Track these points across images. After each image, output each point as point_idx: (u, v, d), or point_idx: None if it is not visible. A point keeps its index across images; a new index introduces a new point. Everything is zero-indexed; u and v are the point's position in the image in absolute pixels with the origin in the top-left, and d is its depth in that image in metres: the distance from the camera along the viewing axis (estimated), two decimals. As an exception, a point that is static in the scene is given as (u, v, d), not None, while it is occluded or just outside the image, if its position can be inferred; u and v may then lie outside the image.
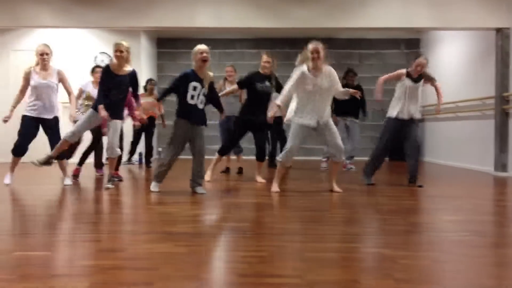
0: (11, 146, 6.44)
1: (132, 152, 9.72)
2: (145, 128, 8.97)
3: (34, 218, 4.31)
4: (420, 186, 6.38)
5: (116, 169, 7.00)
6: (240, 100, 7.77)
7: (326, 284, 2.50)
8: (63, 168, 6.67)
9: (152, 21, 8.51)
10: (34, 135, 6.46)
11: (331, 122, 5.80)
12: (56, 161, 6.44)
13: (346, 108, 8.76)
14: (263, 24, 8.53)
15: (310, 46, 5.68)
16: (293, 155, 5.83)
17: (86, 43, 10.73)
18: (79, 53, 10.61)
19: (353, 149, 9.09)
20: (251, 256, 2.97)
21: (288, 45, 12.34)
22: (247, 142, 9.03)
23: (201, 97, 5.68)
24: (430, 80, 6.55)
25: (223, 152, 7.03)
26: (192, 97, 5.61)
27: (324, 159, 9.26)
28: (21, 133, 6.42)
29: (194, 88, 5.61)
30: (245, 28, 8.95)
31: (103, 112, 5.85)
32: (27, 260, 2.90)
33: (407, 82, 6.43)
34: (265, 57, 6.85)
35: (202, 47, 5.72)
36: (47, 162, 6.17)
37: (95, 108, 5.99)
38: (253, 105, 6.83)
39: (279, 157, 5.94)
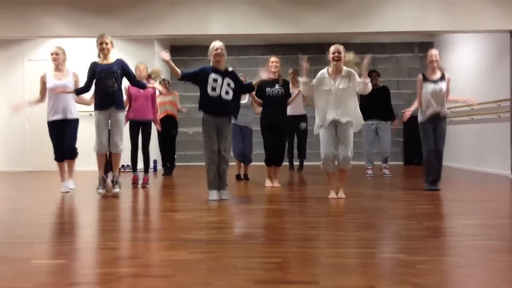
0: (15, 155, 6.50)
1: (164, 159, 9.45)
2: (167, 129, 8.80)
3: (51, 226, 4.35)
4: (436, 190, 6.30)
5: (146, 172, 7.22)
6: (256, 112, 7.75)
7: (343, 290, 2.48)
8: (70, 168, 6.69)
9: (166, 30, 8.57)
10: (62, 136, 6.52)
11: (349, 129, 5.64)
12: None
13: (372, 111, 8.54)
14: (275, 30, 8.55)
15: (332, 47, 5.66)
16: (329, 161, 5.70)
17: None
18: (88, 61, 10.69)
19: (385, 151, 8.87)
20: (267, 262, 2.97)
21: (301, 50, 12.30)
22: (258, 147, 9.00)
23: (225, 88, 5.62)
24: (448, 80, 6.41)
25: (267, 162, 7.02)
26: (214, 88, 5.58)
27: (369, 167, 8.95)
28: (52, 140, 6.56)
29: (215, 80, 5.60)
30: (257, 35, 8.97)
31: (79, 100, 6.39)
32: (44, 268, 2.93)
33: (427, 86, 6.30)
34: (272, 58, 6.95)
35: (216, 43, 5.71)
36: (115, 183, 6.25)
37: (95, 108, 6.12)
38: (268, 110, 6.90)
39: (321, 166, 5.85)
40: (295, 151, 9.74)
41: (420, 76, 6.44)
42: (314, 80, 5.76)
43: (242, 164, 8.09)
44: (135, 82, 6.40)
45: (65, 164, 6.58)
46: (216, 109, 5.63)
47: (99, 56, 6.18)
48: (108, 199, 5.95)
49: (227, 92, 5.64)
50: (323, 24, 8.40)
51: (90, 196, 6.25)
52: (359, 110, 5.70)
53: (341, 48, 5.63)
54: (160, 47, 11.40)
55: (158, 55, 5.55)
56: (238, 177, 8.08)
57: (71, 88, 6.45)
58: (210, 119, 5.62)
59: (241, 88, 5.89)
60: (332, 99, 5.62)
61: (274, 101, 6.85)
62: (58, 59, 6.51)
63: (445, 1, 8.26)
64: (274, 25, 8.48)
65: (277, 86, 6.85)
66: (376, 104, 8.57)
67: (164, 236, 3.86)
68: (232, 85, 5.68)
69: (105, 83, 6.02)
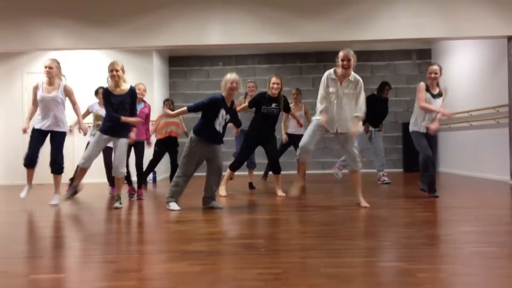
0: (14, 168, 6.50)
1: (148, 171, 9.56)
2: (167, 148, 8.83)
3: (48, 240, 4.34)
4: (435, 196, 6.28)
5: (139, 187, 7.18)
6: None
7: (343, 300, 2.47)
8: (56, 183, 6.67)
9: (164, 40, 8.59)
10: (40, 146, 6.53)
11: (352, 132, 5.63)
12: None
13: (377, 120, 8.80)
14: (273, 40, 8.56)
15: (341, 53, 5.64)
16: (304, 153, 5.79)
17: (99, 64, 10.83)
18: (92, 74, 10.70)
19: (380, 158, 8.88)
20: (267, 273, 2.96)
21: (299, 59, 12.37)
22: (261, 157, 9.01)
23: (223, 122, 5.79)
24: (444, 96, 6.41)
25: (234, 167, 7.11)
26: (219, 124, 5.74)
27: (382, 174, 8.87)
28: (29, 144, 6.54)
29: (222, 116, 5.73)
30: (256, 44, 8.99)
31: (132, 135, 6.41)
32: (43, 283, 2.91)
33: (427, 97, 6.28)
34: (273, 79, 6.89)
35: (234, 77, 5.77)
36: (73, 193, 6.37)
37: (102, 130, 6.12)
38: (258, 125, 6.96)
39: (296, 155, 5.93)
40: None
41: (423, 84, 6.35)
42: (322, 82, 5.74)
43: (252, 172, 8.14)
44: (133, 112, 6.31)
45: (33, 171, 6.56)
46: (214, 139, 5.79)
47: (107, 81, 6.17)
48: (107, 211, 5.95)
49: (220, 124, 5.79)
50: (321, 32, 8.42)
51: (88, 209, 6.23)
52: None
53: (350, 55, 5.60)
54: (158, 58, 11.43)
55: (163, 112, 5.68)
56: (250, 185, 8.10)
57: (59, 101, 6.47)
58: (202, 144, 5.73)
59: (232, 119, 6.04)
60: (335, 102, 5.62)
61: (267, 119, 6.91)
62: (52, 73, 6.49)
63: (442, 8, 8.29)
64: (272, 34, 8.51)
65: (273, 105, 6.87)
66: (382, 114, 8.88)
67: (164, 248, 3.85)
68: (228, 119, 5.85)
69: (118, 113, 6.05)
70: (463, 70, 10.46)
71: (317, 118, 5.76)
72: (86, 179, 7.50)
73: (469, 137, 10.12)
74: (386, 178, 8.68)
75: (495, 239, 3.86)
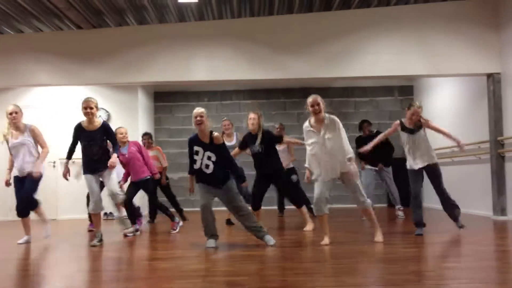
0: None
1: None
2: (155, 183, 8.31)
3: (33, 278, 4.27)
4: (419, 235, 6.23)
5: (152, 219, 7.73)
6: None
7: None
8: (40, 216, 6.65)
9: (149, 76, 8.65)
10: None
11: (351, 174, 5.60)
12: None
13: (370, 159, 8.67)
14: (258, 76, 8.67)
15: (310, 99, 5.69)
16: (321, 204, 5.61)
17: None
18: (78, 109, 10.69)
19: (393, 193, 8.85)
20: (250, 311, 2.94)
21: (284, 95, 12.49)
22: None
23: (206, 162, 5.61)
24: (427, 125, 6.41)
25: (254, 206, 6.99)
26: (195, 161, 5.65)
27: (400, 208, 8.86)
28: (15, 194, 6.49)
29: (197, 153, 5.64)
30: (240, 80, 9.09)
31: (65, 170, 6.18)
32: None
33: (404, 135, 6.37)
34: (250, 115, 6.93)
35: (195, 111, 5.70)
36: (99, 240, 6.17)
37: (84, 173, 6.17)
38: (256, 164, 7.00)
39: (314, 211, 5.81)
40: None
41: (398, 122, 6.44)
42: (304, 137, 5.80)
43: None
44: (114, 148, 6.29)
45: (28, 219, 6.48)
46: (205, 181, 5.68)
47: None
48: (90, 248, 5.88)
49: (207, 166, 5.62)
50: (305, 69, 8.54)
51: (71, 246, 6.16)
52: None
53: (319, 99, 5.65)
54: (144, 93, 11.49)
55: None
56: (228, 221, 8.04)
57: (28, 143, 6.38)
58: (202, 186, 5.69)
59: (224, 161, 5.71)
60: (321, 152, 5.59)
61: (258, 157, 6.93)
62: (17, 118, 6.42)
63: (424, 46, 8.49)
64: (257, 70, 8.61)
65: (256, 144, 6.85)
66: (373, 152, 8.65)
67: (147, 287, 3.81)
68: (214, 158, 5.62)
69: (90, 150, 6.08)
70: (445, 107, 10.63)
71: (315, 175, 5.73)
72: (67, 215, 7.46)
73: (452, 173, 10.21)
74: (401, 213, 8.70)
75: (478, 275, 3.88)
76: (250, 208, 6.56)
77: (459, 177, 9.85)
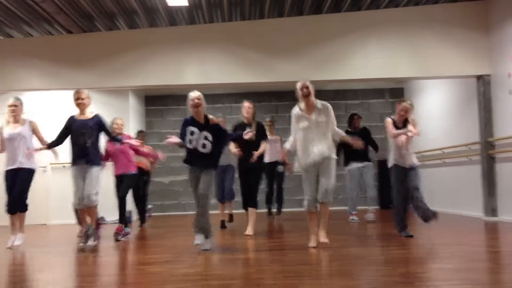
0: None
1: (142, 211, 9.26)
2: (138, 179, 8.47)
3: (24, 284, 4.24)
4: (410, 236, 6.22)
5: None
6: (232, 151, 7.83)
7: None
8: (20, 221, 6.52)
9: (140, 80, 8.65)
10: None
11: (331, 162, 5.59)
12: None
13: (356, 154, 8.34)
14: (249, 79, 8.70)
15: (299, 84, 5.71)
16: (311, 205, 5.64)
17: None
18: (68, 113, 10.65)
19: (372, 194, 8.69)
20: (241, 315, 2.93)
21: (275, 98, 12.51)
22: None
23: (202, 141, 5.63)
24: (414, 124, 6.29)
25: (245, 205, 7.06)
26: (190, 141, 5.63)
27: (354, 213, 8.70)
28: (6, 190, 6.43)
29: (192, 133, 5.64)
30: (231, 84, 9.10)
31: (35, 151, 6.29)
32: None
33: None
34: (246, 103, 7.09)
35: (192, 94, 5.80)
36: (90, 235, 6.14)
37: (71, 164, 6.11)
38: (245, 155, 6.98)
39: (304, 206, 5.79)
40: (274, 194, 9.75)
41: (389, 119, 6.39)
42: (292, 121, 5.79)
43: (224, 207, 8.08)
44: (112, 137, 6.42)
45: (16, 217, 6.44)
46: (195, 161, 5.67)
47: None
48: (81, 253, 5.84)
49: (204, 146, 5.64)
50: (296, 72, 8.55)
51: (62, 251, 6.12)
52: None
53: (307, 83, 5.69)
54: (134, 97, 11.46)
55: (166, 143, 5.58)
56: (222, 223, 7.99)
57: (26, 136, 6.42)
58: (191, 170, 5.68)
59: (221, 140, 5.82)
60: (312, 135, 5.58)
61: (248, 146, 6.92)
62: (17, 111, 6.49)
63: (414, 48, 8.55)
64: (248, 73, 8.63)
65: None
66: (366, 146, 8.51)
67: (137, 291, 3.79)
68: (210, 138, 5.66)
69: (79, 138, 6.04)
70: (435, 108, 10.69)
71: (297, 167, 5.76)
72: (59, 220, 7.42)
73: (443, 174, 10.26)
74: (371, 215, 8.49)
75: (470, 276, 3.88)
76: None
77: (450, 178, 9.90)
